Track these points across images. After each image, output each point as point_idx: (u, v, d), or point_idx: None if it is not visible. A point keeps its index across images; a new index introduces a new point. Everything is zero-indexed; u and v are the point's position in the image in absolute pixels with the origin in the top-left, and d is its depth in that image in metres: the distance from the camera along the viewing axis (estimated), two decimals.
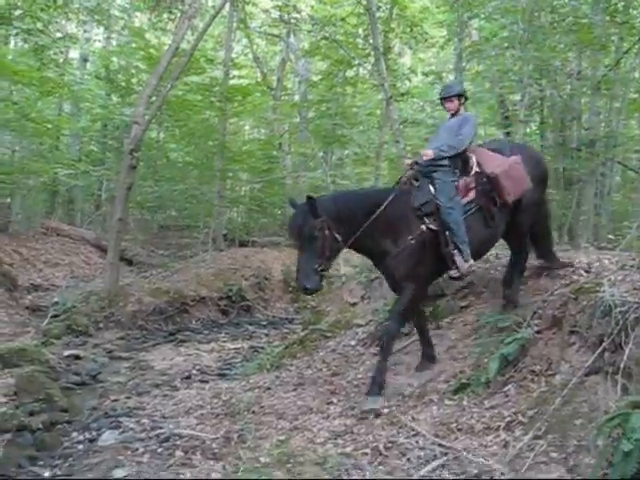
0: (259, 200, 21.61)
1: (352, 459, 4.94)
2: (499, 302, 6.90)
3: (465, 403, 5.57)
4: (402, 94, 18.35)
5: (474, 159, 6.45)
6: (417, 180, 6.33)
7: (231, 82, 19.68)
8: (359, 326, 8.32)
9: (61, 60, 21.71)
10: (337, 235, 5.93)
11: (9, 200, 19.31)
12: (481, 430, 5.06)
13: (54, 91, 19.02)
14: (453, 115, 6.68)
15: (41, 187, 20.95)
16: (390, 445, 5.10)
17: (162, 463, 5.43)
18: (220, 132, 18.94)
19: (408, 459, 4.82)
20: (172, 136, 21.77)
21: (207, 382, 8.06)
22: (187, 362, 9.49)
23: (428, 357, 6.61)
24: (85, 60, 22.96)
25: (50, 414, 6.64)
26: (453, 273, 6.19)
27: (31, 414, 6.60)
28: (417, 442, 5.06)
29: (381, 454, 4.99)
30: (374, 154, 20.63)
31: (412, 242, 6.06)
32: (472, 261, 6.21)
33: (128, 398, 7.43)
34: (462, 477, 4.40)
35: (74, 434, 6.31)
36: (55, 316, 11.56)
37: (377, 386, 6.01)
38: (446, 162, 6.31)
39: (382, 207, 6.03)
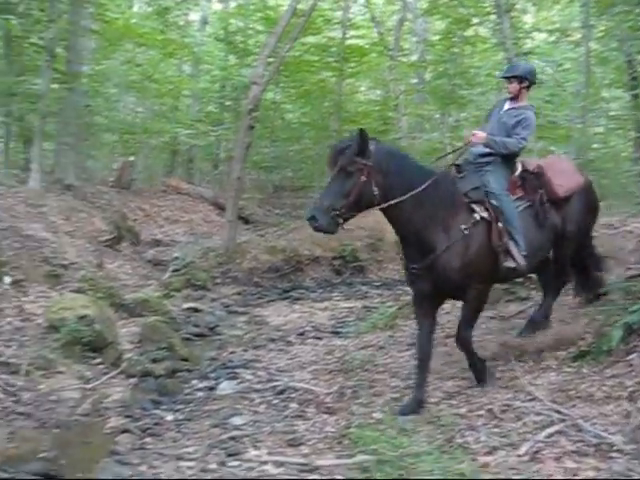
0: None
1: (466, 420, 4.87)
2: (623, 269, 6.60)
3: (585, 371, 5.32)
4: (524, 53, 17.65)
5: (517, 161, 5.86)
6: (460, 167, 5.77)
7: (348, 42, 19.55)
8: None
9: (182, 22, 22.23)
10: (375, 188, 5.03)
11: (133, 159, 20.04)
12: (601, 399, 4.83)
13: (176, 53, 19.51)
14: (512, 99, 5.88)
15: (162, 147, 21.66)
16: (505, 408, 4.97)
17: (277, 414, 5.55)
18: (336, 93, 18.90)
19: (524, 423, 4.67)
20: (288, 97, 21.91)
21: (321, 339, 8.12)
22: (301, 319, 9.60)
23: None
24: (205, 22, 23.32)
25: (172, 362, 6.93)
26: (508, 263, 5.39)
27: (154, 361, 6.91)
28: (533, 407, 4.89)
29: (496, 417, 4.86)
30: None
31: (466, 233, 5.24)
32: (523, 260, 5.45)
33: (245, 351, 7.62)
34: (580, 445, 4.24)
35: (194, 382, 6.56)
36: (175, 270, 11.95)
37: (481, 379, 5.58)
38: (499, 159, 5.66)
39: (424, 185, 5.13)
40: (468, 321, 5.48)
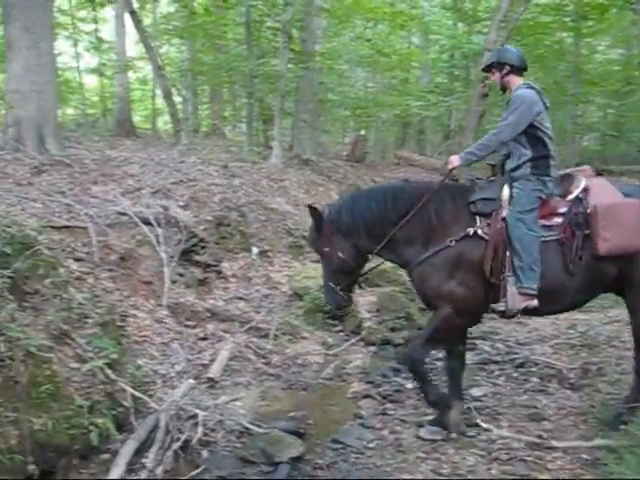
0: (617, 125, 20.06)
1: None
2: None
3: None
4: None
5: (582, 183, 4.58)
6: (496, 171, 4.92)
7: None
8: None
9: None
10: (340, 254, 4.80)
11: (364, 133, 20.42)
12: None
13: (405, 25, 19.51)
14: (505, 93, 4.92)
15: (393, 120, 21.86)
16: None
17: (517, 387, 5.46)
18: (573, 54, 17.87)
19: None
20: None
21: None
22: None
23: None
24: None
25: (409, 331, 6.99)
26: (497, 306, 4.54)
27: (392, 330, 7.04)
28: None
29: None
30: None
31: (451, 245, 4.52)
32: (533, 301, 4.45)
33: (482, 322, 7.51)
34: None
35: (433, 352, 6.57)
36: None
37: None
38: (528, 168, 4.59)
39: (412, 212, 4.62)
40: (423, 339, 4.70)
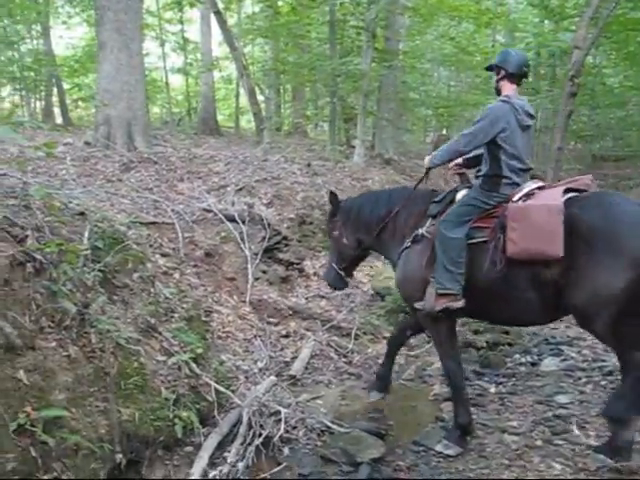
0: None
1: None
2: None
3: None
4: None
5: (527, 187, 4.43)
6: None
7: None
8: None
9: None
10: (345, 240, 5.45)
11: (447, 132, 20.19)
12: None
13: (490, 22, 19.17)
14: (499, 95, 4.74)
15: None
16: None
17: (605, 395, 5.26)
18: None
19: None
20: (610, 60, 20.44)
21: None
22: None
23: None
24: None
25: (492, 335, 6.87)
26: (417, 304, 4.63)
27: (476, 333, 6.94)
28: None
29: None
30: None
31: (407, 246, 4.79)
32: (457, 303, 4.40)
33: (567, 327, 7.31)
34: None
35: (516, 356, 6.44)
36: None
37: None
38: (480, 181, 4.61)
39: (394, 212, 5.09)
40: (438, 350, 4.88)
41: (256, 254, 7.20)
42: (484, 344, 6.63)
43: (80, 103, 22.32)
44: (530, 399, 5.30)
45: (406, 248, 4.80)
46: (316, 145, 15.32)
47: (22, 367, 3.47)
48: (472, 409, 5.13)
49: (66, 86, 20.70)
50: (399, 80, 15.87)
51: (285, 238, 7.80)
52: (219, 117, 21.22)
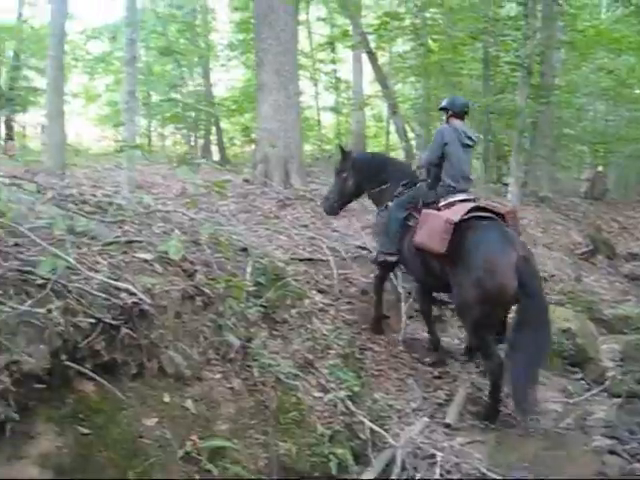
0: None
1: None
2: None
3: None
4: None
5: (453, 198, 6.00)
6: None
7: None
8: None
9: None
10: (349, 182, 6.95)
11: (603, 169, 19.37)
12: None
13: None
14: None
15: (636, 155, 20.50)
16: None
17: None
18: None
19: None
20: None
21: None
22: None
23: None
24: None
25: None
26: (370, 256, 7.09)
27: (639, 382, 6.51)
28: None
29: None
30: None
31: (379, 212, 6.78)
32: (392, 257, 6.28)
33: None
34: None
35: None
36: None
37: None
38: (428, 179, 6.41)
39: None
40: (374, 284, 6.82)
41: (409, 293, 7.18)
42: None
43: (236, 141, 23.35)
44: None
45: (379, 212, 6.75)
46: None
47: (190, 397, 3.64)
48: (638, 465, 4.85)
49: (224, 125, 21.72)
50: (554, 116, 15.43)
51: None
52: None
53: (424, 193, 6.19)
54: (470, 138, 6.22)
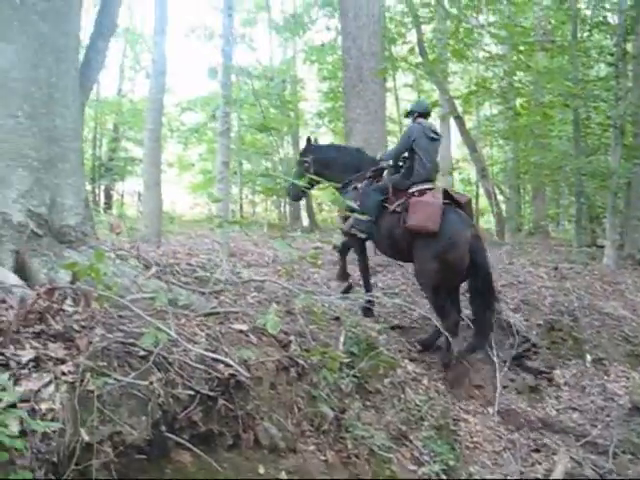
0: None
1: None
2: None
3: None
4: None
5: (422, 186, 6.93)
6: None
7: None
8: None
9: None
10: (310, 170, 7.63)
11: None
12: None
13: None
14: None
15: None
16: None
17: None
18: None
19: None
20: None
21: None
22: None
23: None
24: None
25: None
26: (343, 226, 7.59)
27: None
28: None
29: None
30: None
31: (357, 187, 7.53)
32: (362, 234, 7.03)
33: None
34: None
35: None
36: None
37: None
38: (403, 167, 7.30)
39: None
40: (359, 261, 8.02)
41: (504, 362, 7.01)
42: None
43: (325, 206, 23.67)
44: None
45: (345, 193, 7.43)
46: (561, 246, 14.82)
47: (284, 469, 3.62)
48: None
49: (313, 191, 22.04)
50: None
51: (534, 345, 7.52)
52: None
53: (399, 181, 7.09)
54: (435, 132, 7.18)
